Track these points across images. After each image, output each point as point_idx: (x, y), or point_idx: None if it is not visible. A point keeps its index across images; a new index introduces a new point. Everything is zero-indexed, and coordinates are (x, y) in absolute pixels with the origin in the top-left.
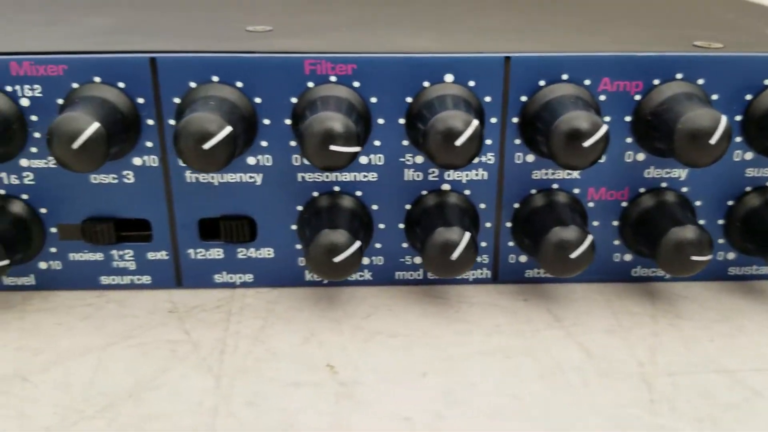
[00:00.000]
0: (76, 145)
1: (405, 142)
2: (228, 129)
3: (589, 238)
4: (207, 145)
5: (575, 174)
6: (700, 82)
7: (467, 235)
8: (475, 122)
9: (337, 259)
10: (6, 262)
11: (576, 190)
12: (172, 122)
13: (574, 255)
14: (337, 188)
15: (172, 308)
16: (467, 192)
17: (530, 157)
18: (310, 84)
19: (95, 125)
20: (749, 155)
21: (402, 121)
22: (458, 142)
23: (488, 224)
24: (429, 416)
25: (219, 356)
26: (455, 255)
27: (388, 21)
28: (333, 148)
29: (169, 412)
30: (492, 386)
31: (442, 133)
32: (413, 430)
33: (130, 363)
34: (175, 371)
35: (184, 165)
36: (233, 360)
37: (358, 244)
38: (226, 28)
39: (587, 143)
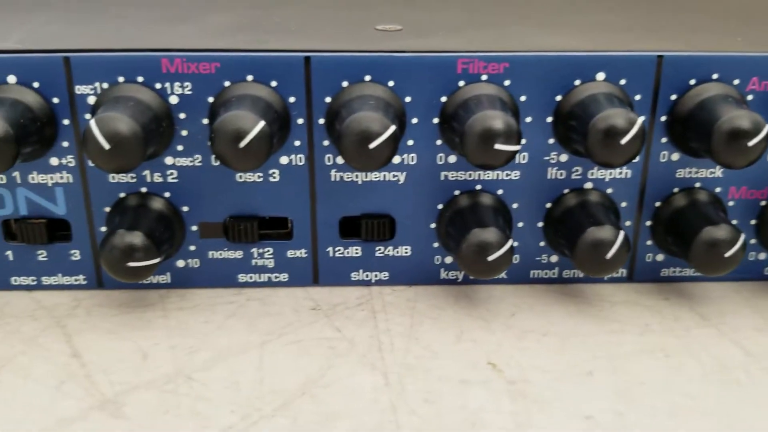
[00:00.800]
0: (242, 144)
1: (551, 141)
2: (392, 128)
3: (742, 237)
4: (372, 145)
5: (718, 173)
6: None
7: (621, 235)
8: (640, 120)
9: (491, 257)
10: (158, 260)
11: (717, 189)
12: (321, 121)
13: (728, 254)
14: (478, 187)
15: (314, 306)
16: (609, 190)
17: (675, 156)
18: (461, 83)
19: (261, 123)
20: None
21: (549, 119)
22: (623, 141)
23: (628, 222)
24: (610, 415)
25: (378, 353)
26: (610, 254)
27: (516, 19)
28: (497, 146)
29: (347, 409)
30: (662, 385)
31: (604, 131)
32: (598, 429)
33: (292, 360)
34: (340, 369)
35: (329, 164)
36: (394, 357)
37: (510, 242)
38: (355, 27)
39: (751, 142)
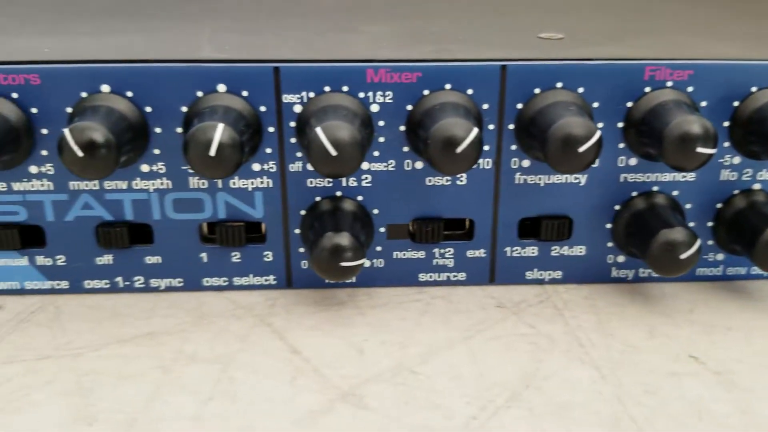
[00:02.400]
0: (459, 149)
1: (726, 144)
2: (599, 132)
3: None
4: (581, 149)
5: None
6: None
7: None
8: None
9: (683, 255)
10: (365, 259)
11: None
12: (510, 126)
13: None
14: (655, 188)
15: (498, 303)
16: None
17: None
18: (647, 89)
19: (475, 131)
20: None
21: (726, 123)
22: None
23: None
24: None
25: (581, 349)
26: None
27: (670, 26)
28: (699, 150)
29: (575, 400)
30: None
31: None
32: None
33: (500, 355)
34: (550, 363)
35: (515, 167)
36: (598, 352)
37: (699, 241)
38: (517, 35)
39: None
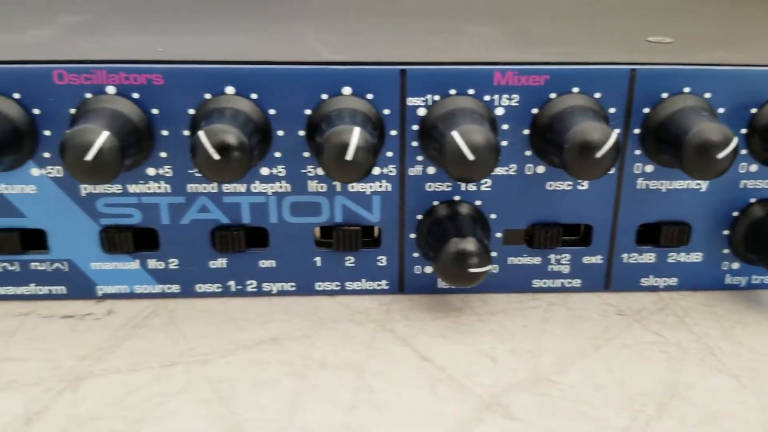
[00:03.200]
0: (599, 154)
1: None
2: (735, 140)
3: None
4: (720, 155)
5: None
6: None
7: None
8: None
9: None
10: (491, 266)
11: None
12: (636, 131)
13: None
14: None
15: (618, 311)
16: None
17: None
18: None
19: (614, 135)
20: None
21: None
22: None
23: None
24: None
25: (713, 357)
26: None
27: None
28: None
29: (722, 409)
30: None
31: None
32: None
33: (636, 364)
34: (688, 372)
35: (637, 172)
36: (732, 361)
37: None
38: (625, 37)
39: None
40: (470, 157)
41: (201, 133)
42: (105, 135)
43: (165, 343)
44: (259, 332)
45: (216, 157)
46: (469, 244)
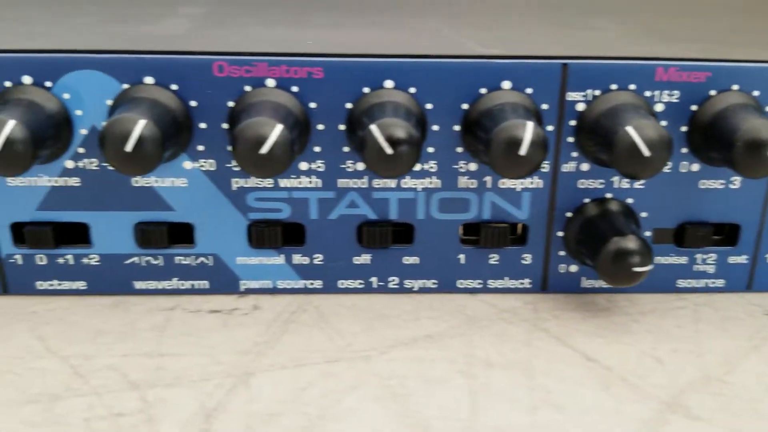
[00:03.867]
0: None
1: None
2: None
3: None
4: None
5: None
6: None
7: None
8: None
9: None
10: (652, 266)
11: None
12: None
13: None
14: None
15: (765, 311)
16: None
17: None
18: None
19: None
20: None
21: None
22: None
23: None
24: None
25: None
26: None
27: None
28: None
29: None
30: None
31: None
32: None
33: None
34: None
35: None
36: None
37: None
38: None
39: None
40: (646, 153)
41: (373, 127)
42: (279, 128)
43: (321, 339)
44: (413, 329)
45: (389, 151)
46: (632, 243)
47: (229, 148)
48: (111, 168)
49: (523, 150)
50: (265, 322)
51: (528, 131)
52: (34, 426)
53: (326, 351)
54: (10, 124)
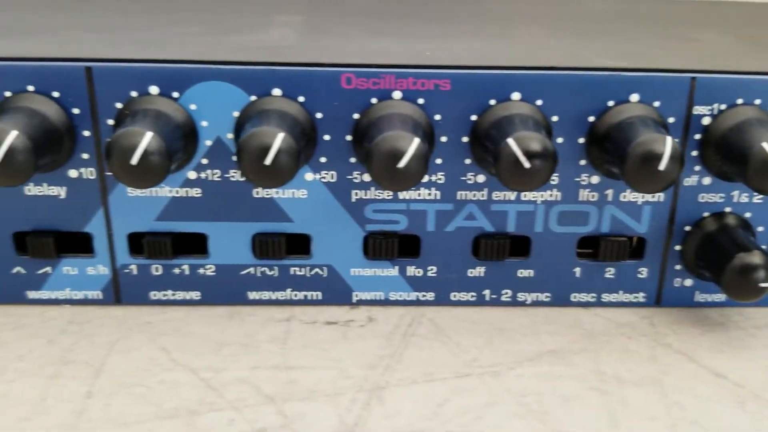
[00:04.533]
0: None
1: None
2: None
3: None
4: None
5: None
6: None
7: None
8: None
9: None
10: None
11: None
12: None
13: None
14: None
15: None
16: None
17: None
18: None
19: None
20: None
21: None
22: None
23: None
24: None
25: None
26: None
27: None
28: None
29: None
30: None
31: None
32: None
33: None
34: None
35: None
36: None
37: None
38: None
39: None
40: None
41: (511, 140)
42: (416, 142)
43: (444, 353)
44: (534, 344)
45: (527, 165)
46: (757, 258)
47: (352, 159)
48: (244, 180)
49: (662, 165)
50: (383, 334)
51: (668, 146)
52: None
53: (453, 366)
54: (148, 136)
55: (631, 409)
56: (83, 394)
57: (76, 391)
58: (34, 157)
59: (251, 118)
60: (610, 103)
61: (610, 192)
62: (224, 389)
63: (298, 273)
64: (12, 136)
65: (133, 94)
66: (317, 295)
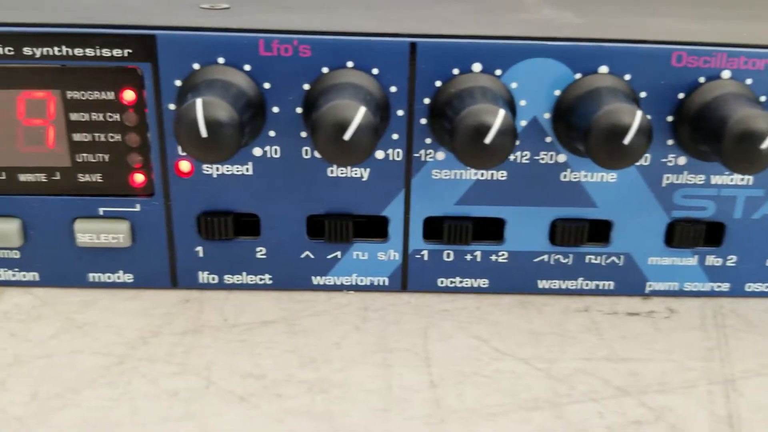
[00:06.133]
0: None
1: None
2: None
3: None
4: None
5: None
6: None
7: None
8: None
9: None
10: None
11: None
12: None
13: None
14: None
15: None
16: None
17: None
18: None
19: None
20: None
21: None
22: None
23: None
24: None
25: None
26: None
27: None
28: None
29: None
30: None
31: None
32: None
33: None
34: None
35: None
36: None
37: None
38: None
39: None
40: None
41: None
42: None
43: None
44: None
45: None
46: None
47: (670, 141)
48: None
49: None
50: (695, 326)
51: None
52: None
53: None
54: (501, 114)
55: None
56: (427, 383)
57: (417, 380)
58: (375, 138)
59: (581, 98)
60: (701, 80)
61: None
62: (570, 380)
63: (593, 261)
64: (361, 112)
65: (455, 71)
66: (610, 284)
